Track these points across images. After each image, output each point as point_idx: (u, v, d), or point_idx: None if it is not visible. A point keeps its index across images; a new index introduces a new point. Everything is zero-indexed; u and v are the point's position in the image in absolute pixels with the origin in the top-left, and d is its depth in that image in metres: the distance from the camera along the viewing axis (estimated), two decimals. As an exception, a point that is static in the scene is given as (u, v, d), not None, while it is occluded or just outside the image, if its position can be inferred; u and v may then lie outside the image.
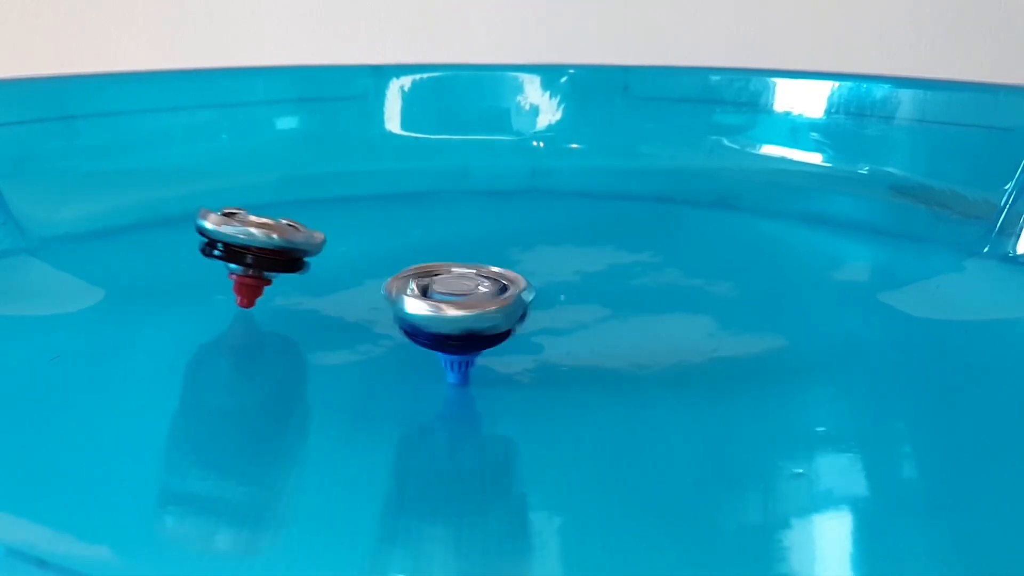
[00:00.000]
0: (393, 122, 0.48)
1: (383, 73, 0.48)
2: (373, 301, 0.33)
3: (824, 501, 0.22)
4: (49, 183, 0.42)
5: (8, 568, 0.19)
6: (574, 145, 0.48)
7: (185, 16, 0.60)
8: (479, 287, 0.25)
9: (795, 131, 0.45)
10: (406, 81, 0.48)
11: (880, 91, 0.43)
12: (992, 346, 0.30)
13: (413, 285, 0.25)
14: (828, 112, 0.44)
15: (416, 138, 0.48)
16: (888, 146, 0.43)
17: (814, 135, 0.45)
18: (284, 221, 0.30)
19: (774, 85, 0.45)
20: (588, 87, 0.48)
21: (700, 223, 0.43)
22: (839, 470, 0.24)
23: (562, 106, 0.48)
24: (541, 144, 0.48)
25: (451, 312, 0.24)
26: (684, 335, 0.30)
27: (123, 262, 0.37)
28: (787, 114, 0.45)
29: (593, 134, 0.48)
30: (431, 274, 0.26)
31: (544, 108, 0.48)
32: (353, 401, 0.26)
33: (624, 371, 0.28)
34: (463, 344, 0.25)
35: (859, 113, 0.44)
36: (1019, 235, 0.37)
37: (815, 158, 0.44)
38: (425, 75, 0.49)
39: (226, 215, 0.29)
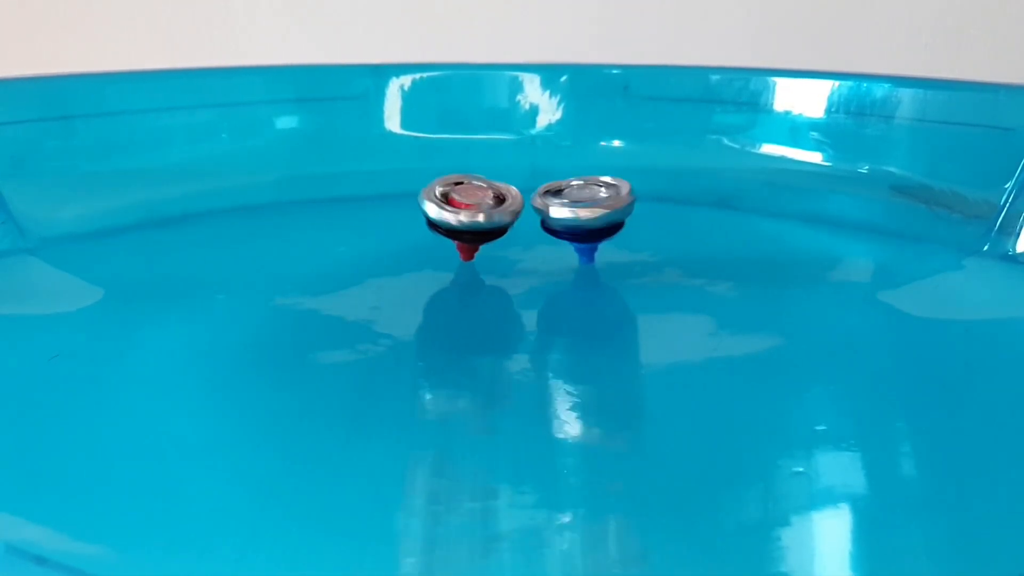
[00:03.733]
0: (393, 122, 0.48)
1: (383, 73, 0.48)
2: (373, 301, 0.33)
3: (823, 500, 0.22)
4: (49, 183, 0.42)
5: (7, 565, 0.19)
6: (574, 145, 0.48)
7: (185, 16, 0.60)
8: (598, 194, 0.33)
9: (795, 131, 0.45)
10: (406, 81, 0.48)
11: (880, 91, 0.43)
12: (992, 346, 0.30)
13: (550, 197, 0.33)
14: (828, 112, 0.44)
15: (416, 138, 0.48)
16: (888, 146, 0.43)
17: (814, 135, 0.45)
18: (490, 193, 0.34)
19: (774, 85, 0.45)
20: (588, 87, 0.48)
21: (700, 223, 0.43)
22: (839, 469, 0.24)
23: (562, 106, 0.48)
24: (541, 144, 0.48)
25: (587, 214, 0.33)
26: (684, 334, 0.30)
27: (123, 262, 0.37)
28: (787, 114, 0.45)
29: (593, 134, 0.48)
30: (557, 189, 0.34)
31: (544, 108, 0.48)
32: (353, 400, 0.26)
33: (624, 370, 0.28)
34: (596, 234, 0.33)
35: (859, 113, 0.44)
36: (1019, 234, 0.37)
37: (815, 158, 0.44)
38: (425, 75, 0.49)
39: (445, 191, 0.34)
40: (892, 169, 0.43)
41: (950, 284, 0.35)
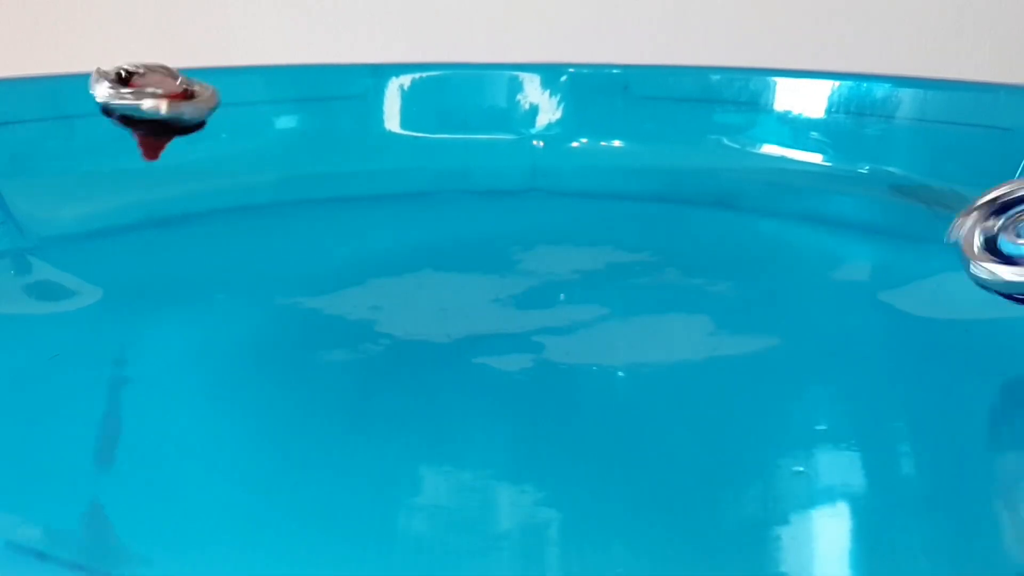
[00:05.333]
0: (393, 122, 0.48)
1: (383, 73, 0.48)
2: (373, 301, 0.33)
3: (823, 500, 0.22)
4: (49, 183, 0.42)
5: (7, 560, 0.19)
6: (574, 144, 0.48)
7: (185, 16, 0.60)
8: None
9: (795, 131, 0.45)
10: (406, 81, 0.48)
11: (880, 91, 0.43)
12: (992, 346, 0.30)
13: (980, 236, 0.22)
14: (828, 112, 0.44)
15: (416, 138, 0.48)
16: (888, 146, 0.43)
17: (814, 135, 0.45)
18: (180, 81, 0.31)
19: (774, 85, 0.45)
20: (588, 87, 0.48)
21: (700, 223, 0.43)
22: (838, 468, 0.24)
23: (562, 106, 0.48)
24: (541, 144, 0.48)
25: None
26: (684, 335, 0.30)
27: (123, 262, 0.37)
28: (787, 114, 0.45)
29: (593, 134, 0.48)
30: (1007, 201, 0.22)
31: (544, 108, 0.48)
32: (353, 400, 0.26)
33: (623, 370, 0.28)
34: None
35: (859, 113, 0.44)
36: (1019, 235, 0.36)
37: (815, 158, 0.44)
38: (425, 75, 0.49)
39: (120, 78, 0.30)
40: (892, 169, 0.43)
41: (950, 284, 0.35)
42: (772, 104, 0.46)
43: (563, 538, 0.21)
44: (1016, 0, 0.54)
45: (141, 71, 0.31)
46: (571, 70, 0.49)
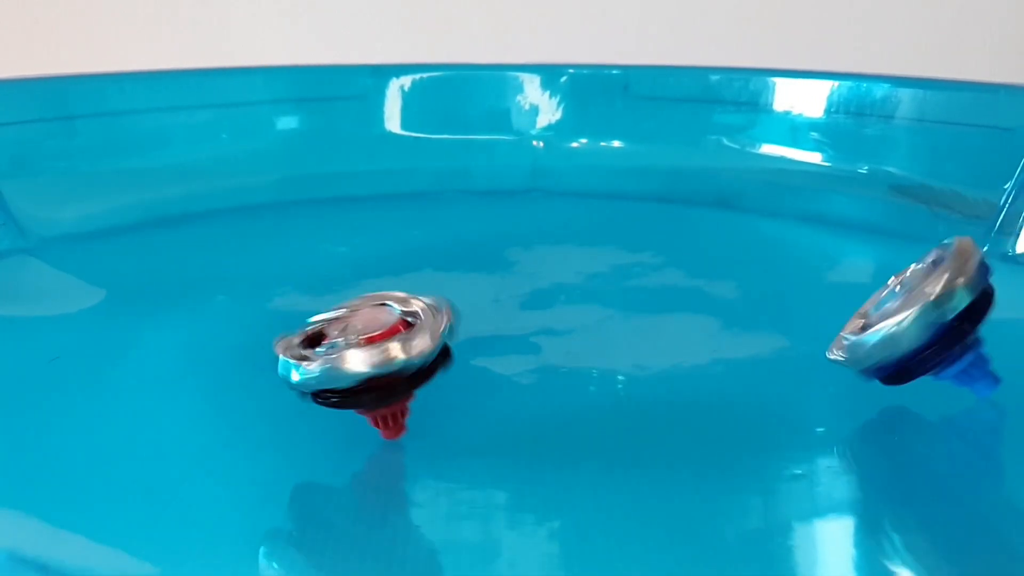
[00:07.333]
0: (393, 122, 0.48)
1: (383, 73, 0.48)
2: (373, 301, 0.33)
3: (824, 502, 0.22)
4: (49, 183, 0.42)
5: (10, 572, 0.19)
6: (574, 145, 0.48)
7: (185, 16, 0.60)
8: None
9: (795, 131, 0.45)
10: (406, 81, 0.48)
11: (880, 91, 0.43)
12: (992, 346, 0.30)
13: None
14: (828, 112, 0.44)
15: (416, 138, 0.48)
16: (888, 146, 0.43)
17: (814, 135, 0.45)
18: (389, 314, 0.21)
19: (774, 85, 0.45)
20: (588, 87, 0.48)
21: (700, 223, 0.43)
22: (839, 471, 0.24)
23: (562, 106, 0.48)
24: (541, 144, 0.48)
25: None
26: (684, 335, 0.30)
27: (123, 262, 0.37)
28: (787, 114, 0.45)
29: (593, 134, 0.48)
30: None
31: (544, 108, 0.48)
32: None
33: (624, 371, 0.28)
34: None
35: (859, 113, 0.44)
36: (1019, 235, 0.37)
37: (815, 158, 0.44)
38: (425, 75, 0.49)
39: (310, 338, 0.21)
40: (892, 169, 0.43)
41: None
42: (772, 104, 0.46)
43: (564, 541, 0.21)
44: (1016, 0, 0.54)
45: (335, 317, 0.21)
46: (571, 70, 0.49)
